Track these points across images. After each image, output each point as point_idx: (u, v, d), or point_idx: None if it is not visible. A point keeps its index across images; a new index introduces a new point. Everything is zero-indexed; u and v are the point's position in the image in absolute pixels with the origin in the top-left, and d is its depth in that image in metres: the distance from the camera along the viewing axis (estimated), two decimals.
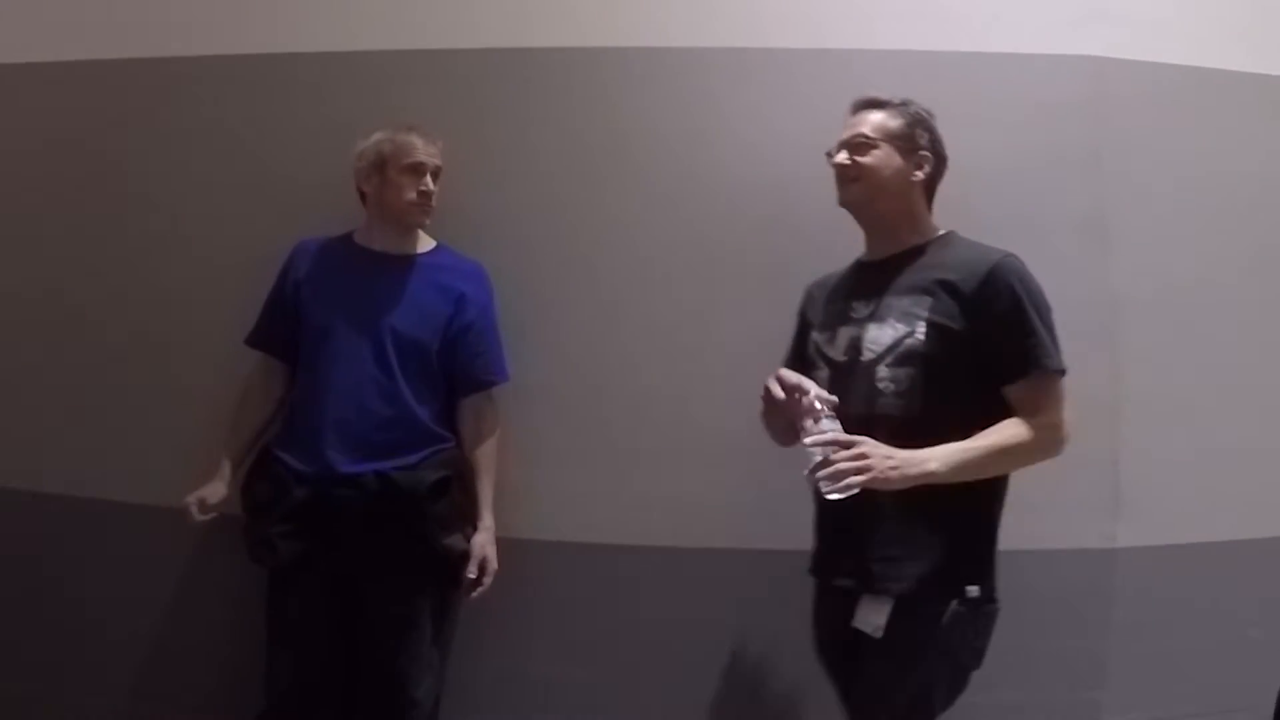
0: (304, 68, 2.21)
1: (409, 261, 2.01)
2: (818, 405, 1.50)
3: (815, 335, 1.73)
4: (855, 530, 1.59)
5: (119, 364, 2.26)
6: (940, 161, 1.73)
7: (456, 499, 1.93)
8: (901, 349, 1.59)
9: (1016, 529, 2.04)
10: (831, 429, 1.48)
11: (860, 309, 1.67)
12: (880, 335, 1.61)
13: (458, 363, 1.98)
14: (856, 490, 1.43)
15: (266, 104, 2.22)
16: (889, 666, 1.56)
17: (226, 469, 2.01)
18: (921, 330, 1.58)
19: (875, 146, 1.67)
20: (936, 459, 1.48)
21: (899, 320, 1.61)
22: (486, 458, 2.00)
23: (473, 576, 1.91)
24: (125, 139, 2.28)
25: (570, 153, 2.14)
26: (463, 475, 1.97)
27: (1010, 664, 2.07)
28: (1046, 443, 1.58)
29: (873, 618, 1.55)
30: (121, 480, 2.24)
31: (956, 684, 1.62)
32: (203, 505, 1.96)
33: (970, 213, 2.06)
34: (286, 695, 1.93)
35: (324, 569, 1.90)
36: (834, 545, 1.67)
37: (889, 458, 1.45)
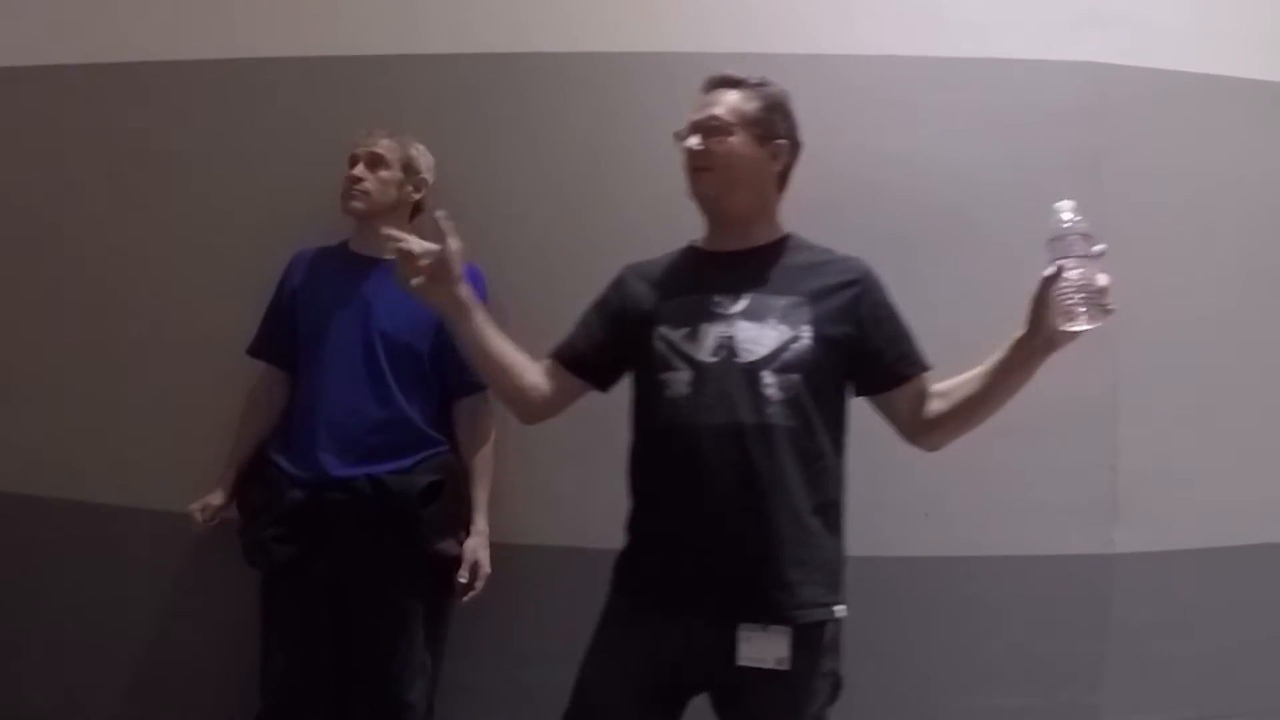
0: (302, 73, 2.21)
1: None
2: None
3: (665, 330, 1.51)
4: (743, 553, 1.43)
5: (119, 370, 2.27)
6: (796, 149, 1.58)
7: (449, 503, 1.94)
8: (788, 354, 1.46)
9: (1014, 534, 2.07)
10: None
11: (726, 304, 1.50)
12: (761, 336, 1.47)
13: (450, 365, 1.97)
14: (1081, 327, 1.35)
15: (265, 109, 2.23)
16: (789, 699, 1.43)
17: (230, 477, 2.03)
18: (808, 335, 1.47)
19: (730, 132, 1.51)
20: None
21: (781, 321, 1.48)
22: (482, 461, 2.00)
23: (464, 580, 1.91)
24: (121, 145, 2.28)
25: (565, 156, 2.14)
26: (457, 479, 1.97)
27: (1009, 669, 2.09)
28: None
29: (772, 650, 1.40)
30: (120, 485, 2.25)
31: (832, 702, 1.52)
32: (206, 511, 1.99)
33: (969, 220, 2.08)
34: (281, 697, 1.93)
35: (317, 572, 1.90)
36: (701, 570, 1.45)
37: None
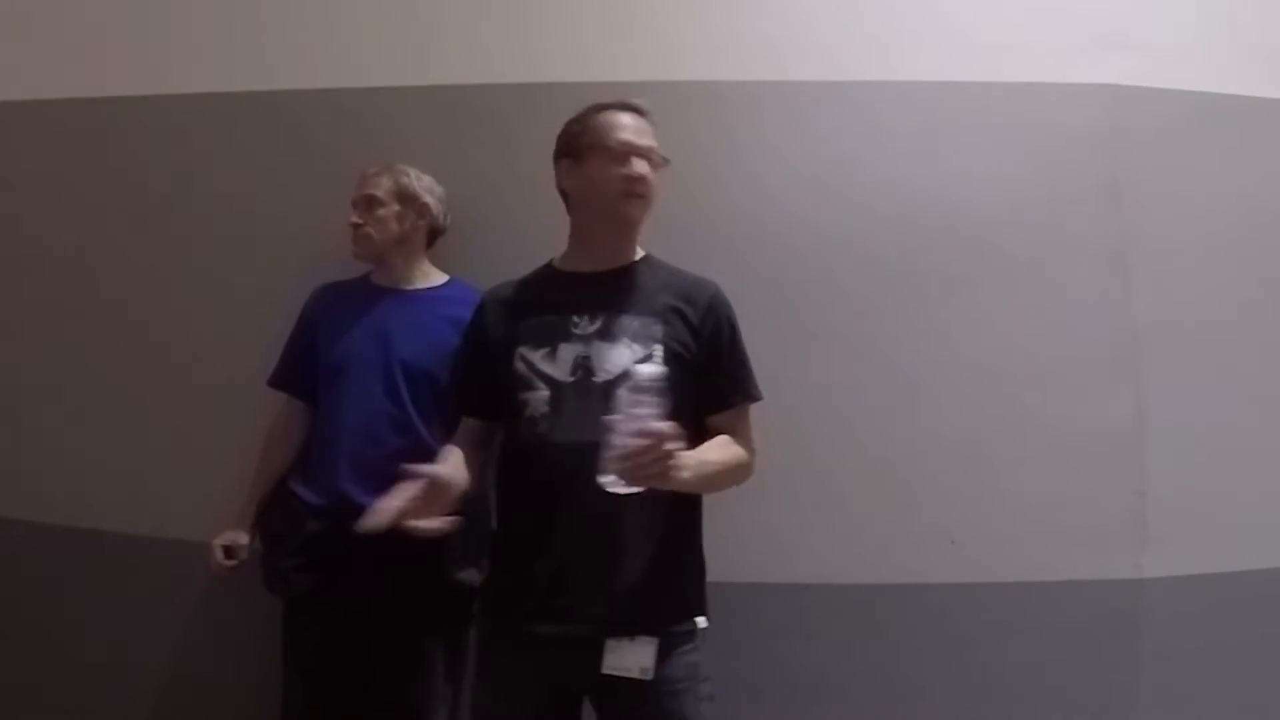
0: (319, 105, 2.23)
1: (419, 295, 2.04)
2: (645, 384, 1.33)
3: (524, 351, 1.56)
4: (604, 567, 1.49)
5: (139, 399, 2.28)
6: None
7: (469, 533, 1.92)
8: (641, 378, 1.42)
9: (1042, 559, 2.05)
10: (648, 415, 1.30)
11: (584, 324, 1.55)
12: (616, 356, 1.52)
13: None
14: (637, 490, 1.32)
15: (283, 142, 2.24)
16: (658, 708, 1.48)
17: (250, 514, 2.03)
18: (659, 354, 1.51)
19: (660, 167, 1.59)
20: (688, 468, 1.38)
21: (634, 341, 1.53)
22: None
23: None
24: (140, 178, 2.30)
25: None
26: (476, 509, 1.95)
27: (1038, 695, 2.06)
28: (751, 466, 1.59)
29: (638, 660, 1.46)
30: (140, 514, 2.25)
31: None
32: (228, 552, 1.99)
33: (987, 245, 2.08)
34: None
35: (336, 601, 1.89)
36: (565, 585, 1.50)
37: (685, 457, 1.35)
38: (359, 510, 1.84)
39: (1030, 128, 2.12)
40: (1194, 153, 2.15)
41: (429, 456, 1.90)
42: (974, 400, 2.04)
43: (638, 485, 1.32)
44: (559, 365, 1.54)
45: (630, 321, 1.55)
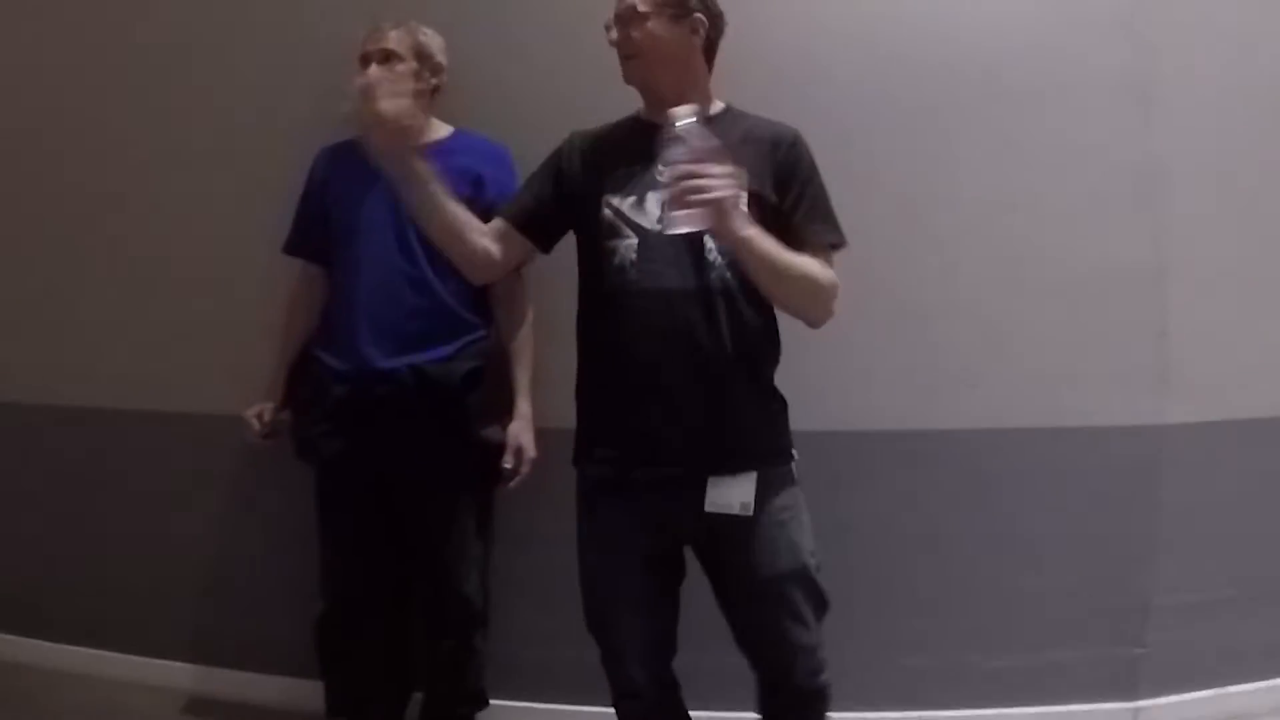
0: None
1: (427, 149, 1.96)
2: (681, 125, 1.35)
3: (612, 199, 1.56)
4: (699, 409, 1.50)
5: (159, 279, 2.31)
6: (715, 20, 1.61)
7: (491, 389, 1.94)
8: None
9: (1062, 403, 2.03)
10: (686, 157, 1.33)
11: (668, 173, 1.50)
12: None
13: None
14: (698, 226, 1.35)
15: (281, 3, 2.22)
16: (772, 537, 1.51)
17: (280, 382, 2.05)
18: (743, 201, 1.46)
19: (645, 19, 1.56)
20: (755, 233, 1.41)
21: None
22: (521, 343, 2.00)
23: (509, 466, 1.92)
24: (147, 52, 2.30)
25: (584, 45, 2.08)
26: (497, 365, 1.97)
27: (1055, 546, 2.07)
28: (829, 300, 1.53)
29: (738, 495, 1.49)
30: (169, 391, 2.31)
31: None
32: (263, 421, 2.02)
33: (1004, 79, 2.03)
34: (341, 594, 1.98)
35: (365, 466, 1.92)
36: (662, 429, 1.51)
37: (737, 189, 1.38)
38: (381, 374, 1.89)
39: None
40: None
41: (448, 315, 1.93)
42: (991, 237, 2.01)
43: (692, 220, 1.34)
44: (647, 214, 1.53)
45: None
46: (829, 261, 1.54)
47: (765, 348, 1.57)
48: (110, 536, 2.39)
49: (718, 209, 1.34)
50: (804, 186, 1.55)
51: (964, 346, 2.00)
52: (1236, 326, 2.07)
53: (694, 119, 1.35)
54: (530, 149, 2.00)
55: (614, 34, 1.59)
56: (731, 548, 1.53)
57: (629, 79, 1.61)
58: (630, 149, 1.59)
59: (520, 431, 1.94)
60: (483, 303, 2.00)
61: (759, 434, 1.53)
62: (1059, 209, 2.02)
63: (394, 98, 1.43)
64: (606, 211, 1.56)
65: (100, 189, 2.35)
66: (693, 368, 1.50)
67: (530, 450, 1.94)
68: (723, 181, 1.33)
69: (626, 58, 1.59)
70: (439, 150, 1.99)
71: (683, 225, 1.34)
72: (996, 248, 2.03)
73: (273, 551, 2.26)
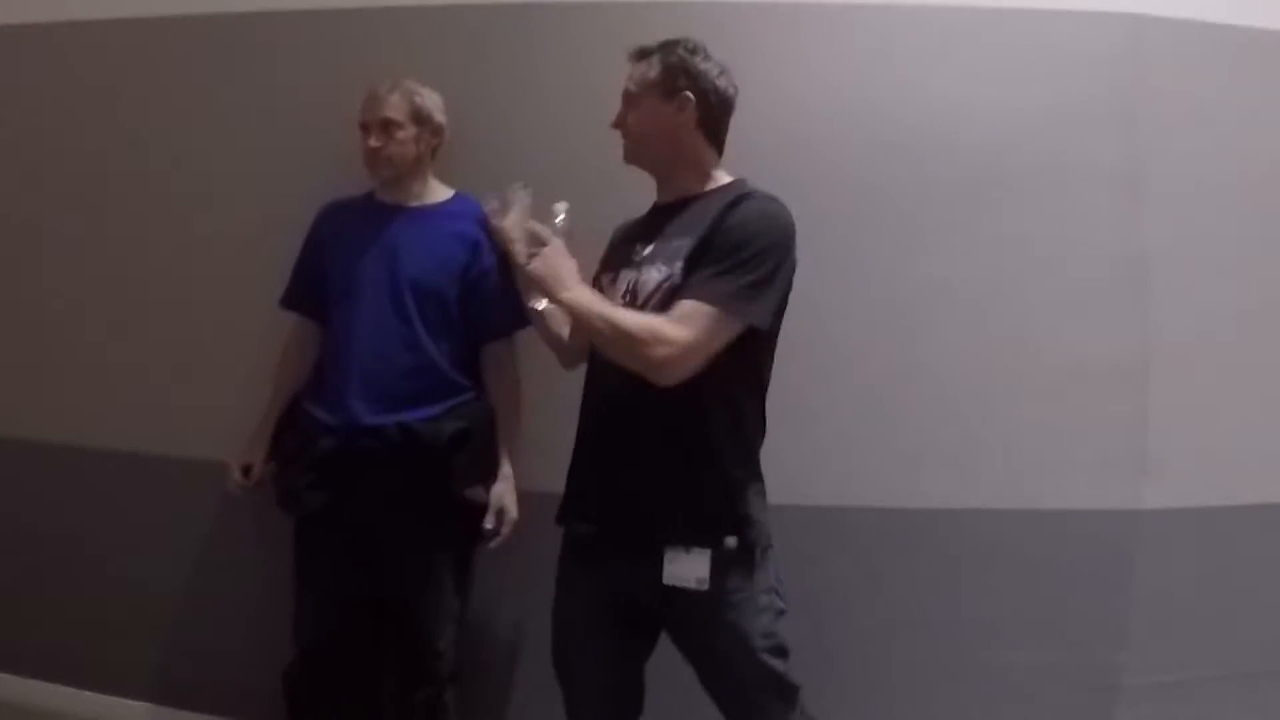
0: (322, 23, 2.22)
1: (425, 211, 2.04)
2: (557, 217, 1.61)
3: (601, 276, 1.67)
4: (646, 478, 1.53)
5: (153, 322, 2.31)
6: (706, 98, 1.59)
7: (477, 450, 1.95)
8: (663, 291, 1.52)
9: (1042, 486, 2.05)
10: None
11: (640, 251, 1.61)
12: (649, 278, 1.55)
13: (475, 309, 1.99)
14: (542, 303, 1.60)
15: (289, 63, 2.24)
16: (718, 618, 1.50)
17: (267, 434, 2.06)
18: (679, 270, 1.51)
19: (638, 101, 1.62)
20: (573, 291, 1.51)
21: (664, 262, 1.54)
22: (508, 406, 2.01)
23: (490, 527, 1.92)
24: (152, 99, 2.31)
25: (582, 106, 2.08)
26: (485, 426, 1.98)
27: (1033, 624, 2.08)
28: (642, 349, 1.45)
29: (694, 570, 1.48)
30: (155, 433, 2.29)
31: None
32: (245, 472, 2.02)
33: (997, 167, 2.06)
34: (314, 643, 1.97)
35: (348, 519, 1.93)
36: (622, 503, 1.55)
37: (550, 264, 1.52)
38: (369, 430, 1.90)
39: (1046, 53, 2.09)
40: (1210, 83, 2.12)
41: (438, 376, 1.95)
42: (979, 323, 2.04)
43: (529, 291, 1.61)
44: (616, 291, 1.60)
45: (666, 245, 1.57)
46: (699, 311, 1.45)
47: (711, 420, 1.52)
48: (82, 575, 2.37)
49: (528, 279, 1.56)
50: (725, 237, 1.49)
51: (946, 428, 2.03)
52: (1214, 417, 2.09)
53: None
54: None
55: (613, 118, 1.66)
56: (687, 628, 1.56)
57: (625, 158, 1.67)
58: (630, 231, 1.69)
59: (504, 493, 1.95)
60: (473, 365, 2.02)
61: (703, 511, 1.51)
62: (1046, 298, 2.05)
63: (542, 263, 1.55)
64: (601, 283, 1.65)
65: (90, 233, 2.35)
66: (637, 440, 1.54)
67: (513, 512, 1.95)
68: (534, 260, 1.52)
69: (623, 137, 1.66)
70: (439, 213, 2.04)
71: (530, 297, 1.65)
72: (983, 334, 2.05)
73: (246, 597, 2.24)
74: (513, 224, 1.64)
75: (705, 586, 1.48)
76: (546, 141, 2.13)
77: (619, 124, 1.65)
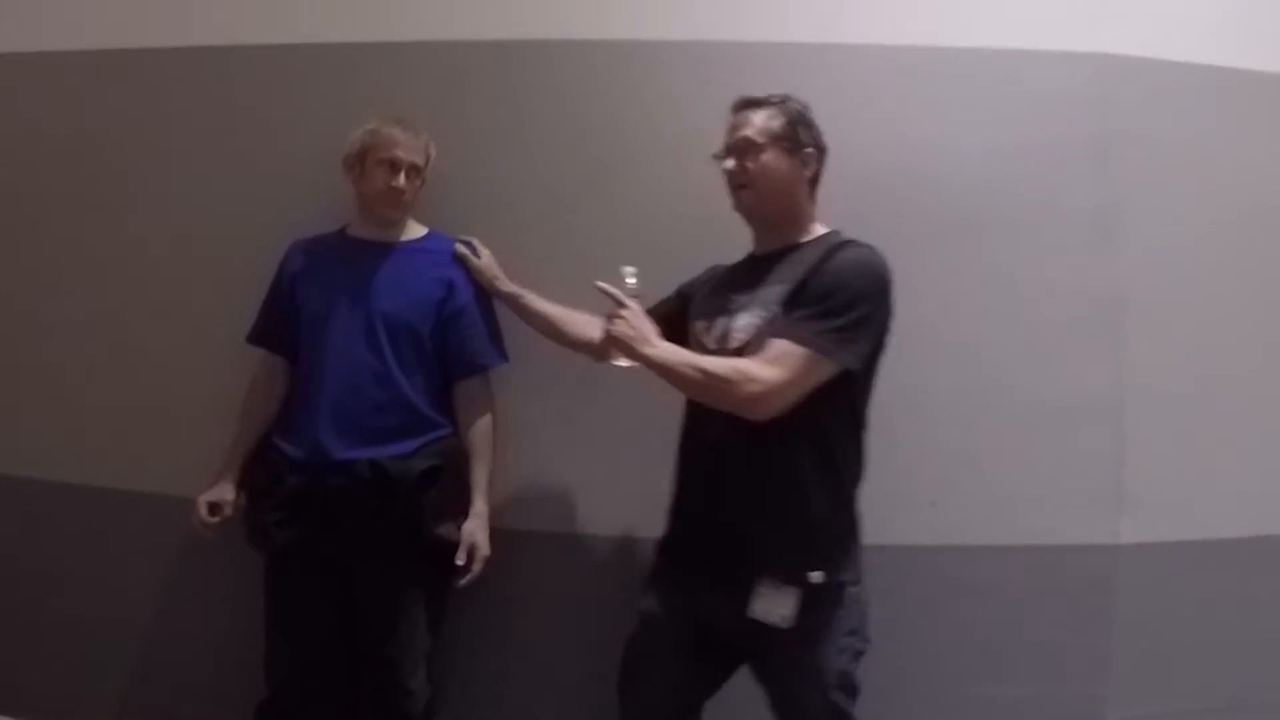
0: (295, 60, 2.21)
1: (400, 248, 2.03)
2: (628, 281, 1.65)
3: (695, 323, 1.72)
4: (743, 516, 1.58)
5: (120, 356, 2.27)
6: (823, 154, 1.70)
7: (449, 488, 1.93)
8: (755, 334, 1.58)
9: (1020, 524, 2.06)
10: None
11: (737, 300, 1.65)
12: (745, 324, 1.60)
13: (450, 346, 1.98)
14: (624, 362, 1.61)
15: (259, 98, 2.22)
16: (799, 656, 1.57)
17: (234, 469, 2.02)
18: (775, 314, 1.57)
19: (762, 150, 1.64)
20: (657, 348, 1.58)
21: (760, 309, 1.60)
22: (481, 443, 1.99)
23: (461, 563, 1.90)
24: (119, 133, 2.28)
25: (560, 144, 2.14)
26: (457, 463, 1.96)
27: (1013, 659, 2.09)
28: (728, 390, 1.52)
29: (779, 608, 1.53)
30: (122, 469, 2.25)
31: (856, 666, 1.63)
32: (213, 509, 1.99)
33: (972, 208, 2.09)
34: (285, 681, 1.94)
35: (318, 555, 1.90)
36: (707, 534, 1.64)
37: (633, 325, 1.58)
38: (339, 465, 1.88)
39: (1024, 94, 2.12)
40: (1184, 123, 2.15)
41: (410, 410, 1.93)
42: (955, 362, 2.05)
43: (619, 356, 1.62)
44: (711, 337, 1.66)
45: (764, 293, 1.61)
46: (789, 351, 1.51)
47: (802, 457, 1.57)
48: (50, 611, 2.32)
49: (614, 343, 1.60)
50: (819, 282, 1.55)
51: (927, 467, 2.04)
52: (1189, 453, 2.11)
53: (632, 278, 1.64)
54: (505, 250, 2.05)
55: (727, 165, 1.67)
56: (765, 660, 1.62)
57: (738, 207, 1.69)
58: (726, 279, 1.74)
59: (476, 530, 1.93)
60: (446, 401, 2.00)
61: (788, 544, 1.56)
62: (1023, 337, 2.07)
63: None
64: (690, 336, 1.71)
65: (52, 268, 2.32)
66: (726, 473, 1.60)
67: (484, 548, 1.93)
68: (616, 322, 1.58)
69: (739, 187, 1.67)
70: (413, 250, 2.03)
71: (611, 356, 1.67)
72: (960, 371, 2.07)
73: (216, 634, 2.20)
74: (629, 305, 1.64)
75: (789, 624, 1.53)
76: (524, 179, 2.14)
77: (737, 173, 1.66)
